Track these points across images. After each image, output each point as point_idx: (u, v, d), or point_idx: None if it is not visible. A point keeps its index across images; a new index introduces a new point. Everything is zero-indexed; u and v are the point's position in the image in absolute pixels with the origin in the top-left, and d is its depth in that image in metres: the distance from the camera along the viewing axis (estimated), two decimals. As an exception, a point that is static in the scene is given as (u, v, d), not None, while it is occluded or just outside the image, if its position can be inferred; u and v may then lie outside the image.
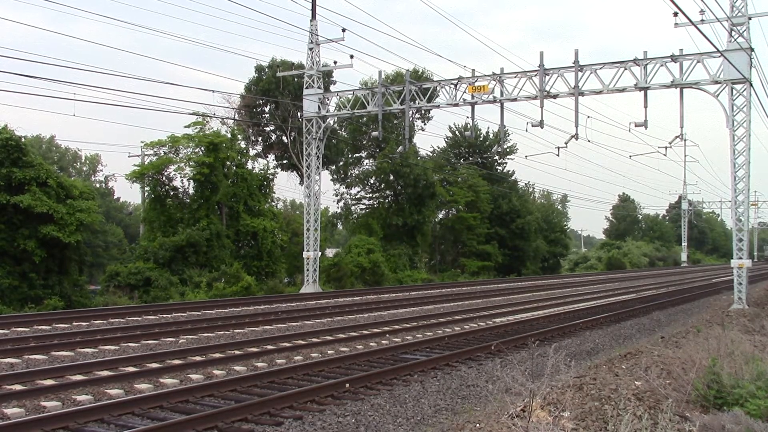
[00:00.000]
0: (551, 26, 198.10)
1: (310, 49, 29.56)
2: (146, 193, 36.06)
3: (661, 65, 22.98)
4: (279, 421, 8.61)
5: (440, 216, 52.24)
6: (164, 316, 19.56)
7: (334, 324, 18.30)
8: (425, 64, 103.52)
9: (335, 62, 31.55)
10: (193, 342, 14.81)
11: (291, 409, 9.14)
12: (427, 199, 45.18)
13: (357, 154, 49.58)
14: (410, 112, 29.38)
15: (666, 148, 29.36)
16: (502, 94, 25.27)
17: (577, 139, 24.53)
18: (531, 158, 57.77)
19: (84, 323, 17.53)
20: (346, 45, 33.29)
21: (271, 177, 39.22)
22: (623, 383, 8.48)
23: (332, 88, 39.05)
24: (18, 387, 10.00)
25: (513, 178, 60.00)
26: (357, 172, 47.97)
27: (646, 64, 23.07)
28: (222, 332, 16.29)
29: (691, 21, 16.55)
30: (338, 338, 15.61)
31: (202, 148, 33.63)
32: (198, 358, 12.62)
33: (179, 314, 19.93)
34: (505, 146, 57.63)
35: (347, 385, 10.40)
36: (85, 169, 63.33)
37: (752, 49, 22.28)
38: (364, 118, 43.57)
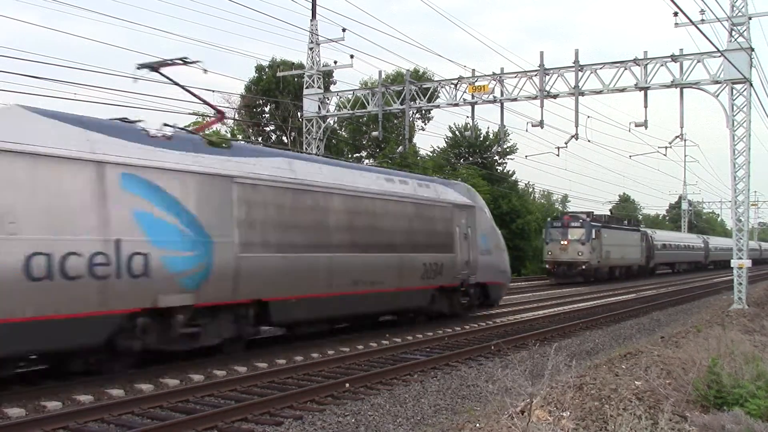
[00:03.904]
0: (549, 26, 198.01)
1: (310, 49, 29.54)
2: (146, 193, 35.97)
3: (661, 65, 22.97)
4: (279, 420, 8.62)
5: (440, 216, 52.10)
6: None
7: (334, 324, 18.27)
8: (425, 64, 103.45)
9: (335, 62, 31.55)
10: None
11: (291, 409, 9.14)
12: (427, 199, 45.10)
13: (357, 154, 49.58)
14: (410, 112, 29.36)
15: (666, 148, 29.37)
16: (502, 94, 25.25)
17: (577, 139, 24.53)
18: (531, 158, 57.53)
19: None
20: (346, 45, 33.21)
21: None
22: (623, 383, 8.48)
23: (332, 88, 39.04)
24: (18, 387, 10.00)
25: (513, 178, 59.93)
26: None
27: (646, 64, 23.06)
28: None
29: (691, 21, 16.57)
30: (338, 338, 15.61)
31: (202, 148, 33.57)
32: (198, 358, 12.62)
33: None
34: (505, 146, 57.54)
35: (347, 384, 10.40)
36: (85, 169, 63.23)
37: (752, 49, 22.25)
38: (364, 118, 43.58)
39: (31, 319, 9.35)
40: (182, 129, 13.05)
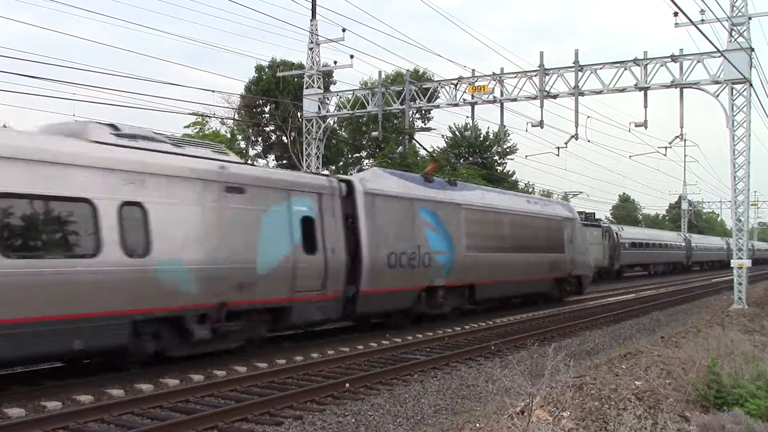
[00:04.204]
0: (549, 26, 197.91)
1: (310, 49, 29.55)
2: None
3: (661, 65, 22.95)
4: (279, 420, 8.62)
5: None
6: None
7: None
8: (425, 64, 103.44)
9: (335, 62, 31.57)
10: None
11: (291, 409, 9.14)
12: (427, 199, 45.10)
13: (357, 154, 49.59)
14: (410, 112, 29.34)
15: (666, 148, 29.35)
16: (502, 94, 25.23)
17: (577, 139, 24.51)
18: (531, 158, 57.55)
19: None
20: (346, 45, 33.24)
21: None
22: (623, 383, 8.48)
23: (332, 88, 39.05)
24: (18, 387, 10.00)
25: (513, 178, 59.93)
26: (357, 172, 48.02)
27: (646, 64, 23.05)
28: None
29: (691, 21, 16.57)
30: (338, 338, 15.61)
31: (202, 148, 33.62)
32: (198, 358, 12.61)
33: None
34: (505, 146, 57.54)
35: (347, 384, 10.41)
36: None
37: (752, 49, 22.24)
38: (364, 118, 43.57)
39: (388, 290, 16.20)
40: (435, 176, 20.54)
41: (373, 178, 17.02)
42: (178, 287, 11.07)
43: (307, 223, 13.92)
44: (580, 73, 23.85)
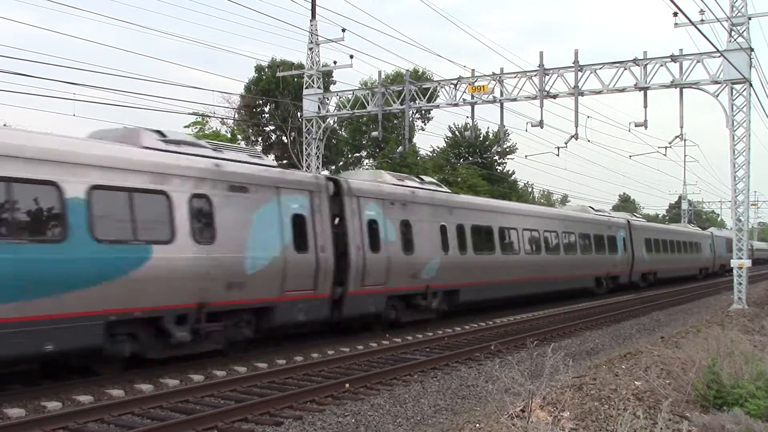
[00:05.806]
0: (548, 26, 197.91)
1: (310, 49, 29.53)
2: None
3: (661, 65, 22.93)
4: (279, 421, 8.62)
5: (440, 216, 52.05)
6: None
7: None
8: (425, 64, 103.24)
9: (335, 62, 31.55)
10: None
11: (291, 409, 9.15)
12: (427, 199, 45.05)
13: (357, 154, 49.52)
14: (410, 112, 29.31)
15: (666, 148, 29.38)
16: (502, 94, 25.20)
17: (577, 139, 24.49)
18: (531, 158, 57.46)
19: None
20: (346, 45, 33.09)
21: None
22: (623, 383, 8.49)
23: (332, 88, 39.01)
24: (18, 387, 10.00)
25: (513, 178, 59.91)
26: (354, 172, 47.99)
27: (646, 64, 23.03)
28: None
29: (691, 21, 16.56)
30: (338, 338, 15.61)
31: (202, 148, 33.60)
32: (198, 358, 12.61)
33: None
34: (505, 146, 57.46)
35: (347, 385, 10.41)
36: (85, 169, 63.03)
37: (752, 49, 22.22)
38: (364, 118, 43.55)
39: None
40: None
41: None
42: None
43: None
44: (579, 73, 23.82)
